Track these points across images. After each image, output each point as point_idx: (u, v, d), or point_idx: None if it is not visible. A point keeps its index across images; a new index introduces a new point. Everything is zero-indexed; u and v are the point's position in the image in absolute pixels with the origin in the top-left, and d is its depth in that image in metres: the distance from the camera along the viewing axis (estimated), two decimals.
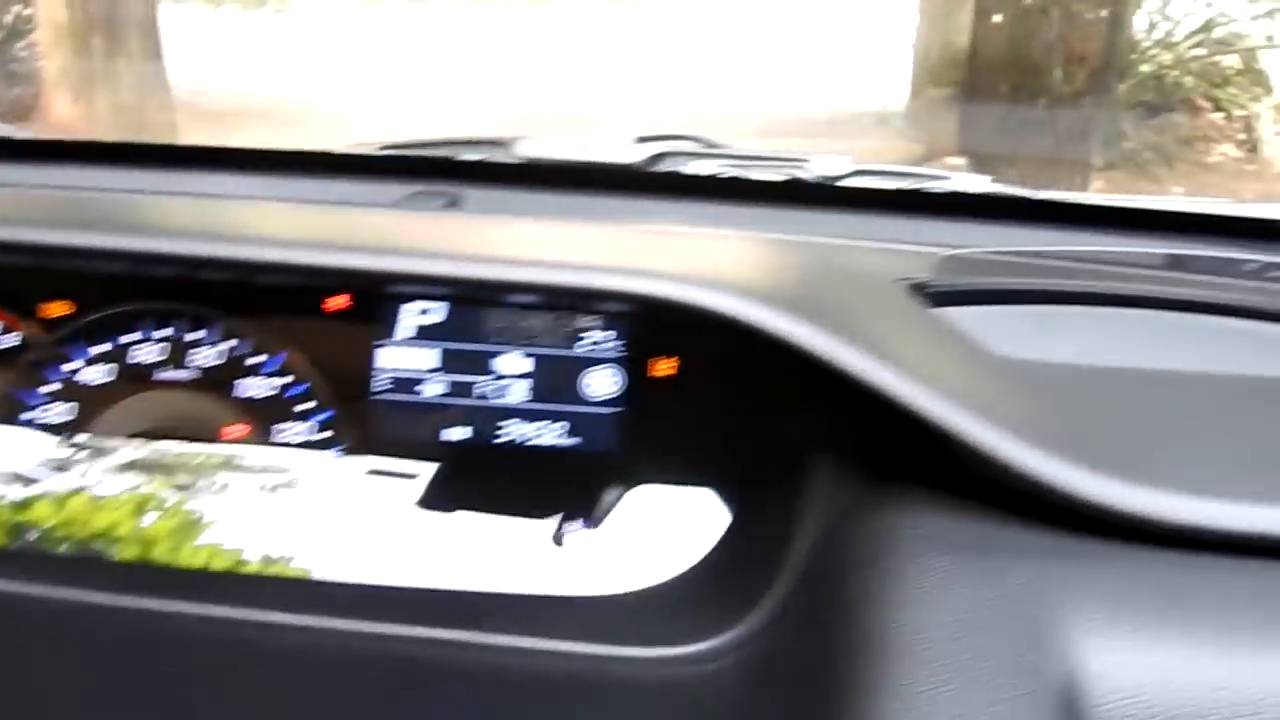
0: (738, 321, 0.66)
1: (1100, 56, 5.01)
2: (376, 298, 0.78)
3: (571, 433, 0.79)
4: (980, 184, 1.06)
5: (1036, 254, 0.89)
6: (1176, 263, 0.93)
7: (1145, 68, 5.32)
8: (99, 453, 0.79)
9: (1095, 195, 1.30)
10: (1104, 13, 5.09)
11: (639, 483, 0.78)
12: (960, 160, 5.10)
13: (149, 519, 0.76)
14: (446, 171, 1.09)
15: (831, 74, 6.72)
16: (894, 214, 1.03)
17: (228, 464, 0.78)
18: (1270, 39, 5.24)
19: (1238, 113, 5.11)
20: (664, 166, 1.12)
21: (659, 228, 0.97)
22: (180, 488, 0.77)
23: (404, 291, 0.78)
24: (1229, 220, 0.99)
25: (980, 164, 4.94)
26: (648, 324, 0.78)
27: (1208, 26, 5.36)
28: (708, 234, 0.93)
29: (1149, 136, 5.08)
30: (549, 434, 0.79)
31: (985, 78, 5.31)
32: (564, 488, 0.78)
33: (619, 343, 0.79)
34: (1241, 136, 5.02)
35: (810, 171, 1.10)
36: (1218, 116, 5.19)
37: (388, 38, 7.81)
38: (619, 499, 0.77)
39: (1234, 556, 0.58)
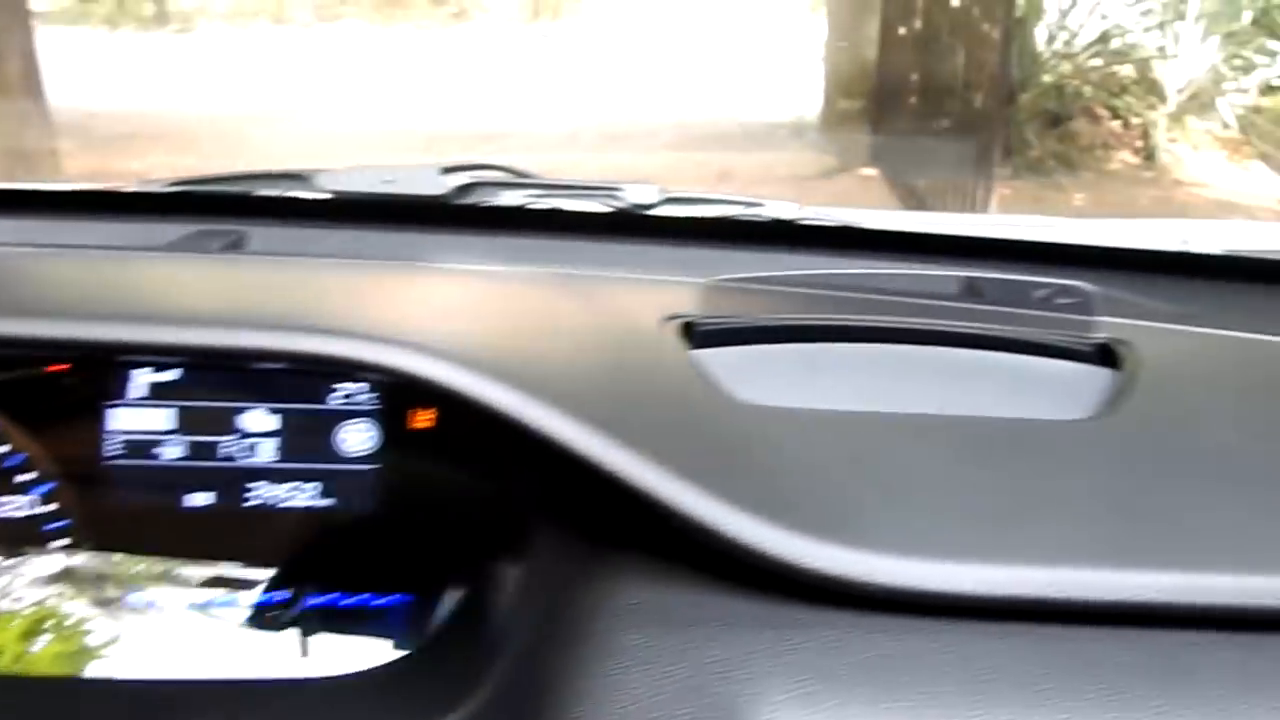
0: (449, 389, 0.62)
1: (1001, 69, 5.06)
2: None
3: (325, 493, 0.73)
4: (791, 211, 1.02)
5: (824, 281, 0.85)
6: (969, 288, 0.90)
7: (1047, 78, 5.37)
8: (25, 560, 0.72)
9: (910, 218, 1.26)
10: (1006, 24, 5.14)
11: (394, 545, 0.73)
12: (872, 171, 5.13)
13: (40, 642, 0.70)
14: (237, 209, 1.03)
15: (746, 85, 6.73)
16: (702, 243, 0.99)
17: (163, 577, 0.72)
18: (1162, 50, 5.31)
19: (1135, 121, 5.18)
20: (473, 198, 1.07)
21: (443, 266, 0.92)
22: (103, 603, 0.70)
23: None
24: (1027, 245, 0.96)
25: (891, 174, 4.98)
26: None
27: (1104, 38, 5.43)
28: (487, 273, 0.89)
29: (1052, 145, 5.12)
30: (301, 495, 0.73)
31: (893, 89, 5.35)
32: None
33: (373, 395, 0.74)
34: (1139, 144, 5.09)
35: (623, 200, 1.06)
36: (1116, 125, 5.25)
37: (295, 58, 7.69)
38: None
39: (949, 620, 0.54)
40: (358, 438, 0.73)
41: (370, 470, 0.73)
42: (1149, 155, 4.99)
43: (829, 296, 0.86)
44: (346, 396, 0.73)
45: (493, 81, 7.01)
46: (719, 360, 0.74)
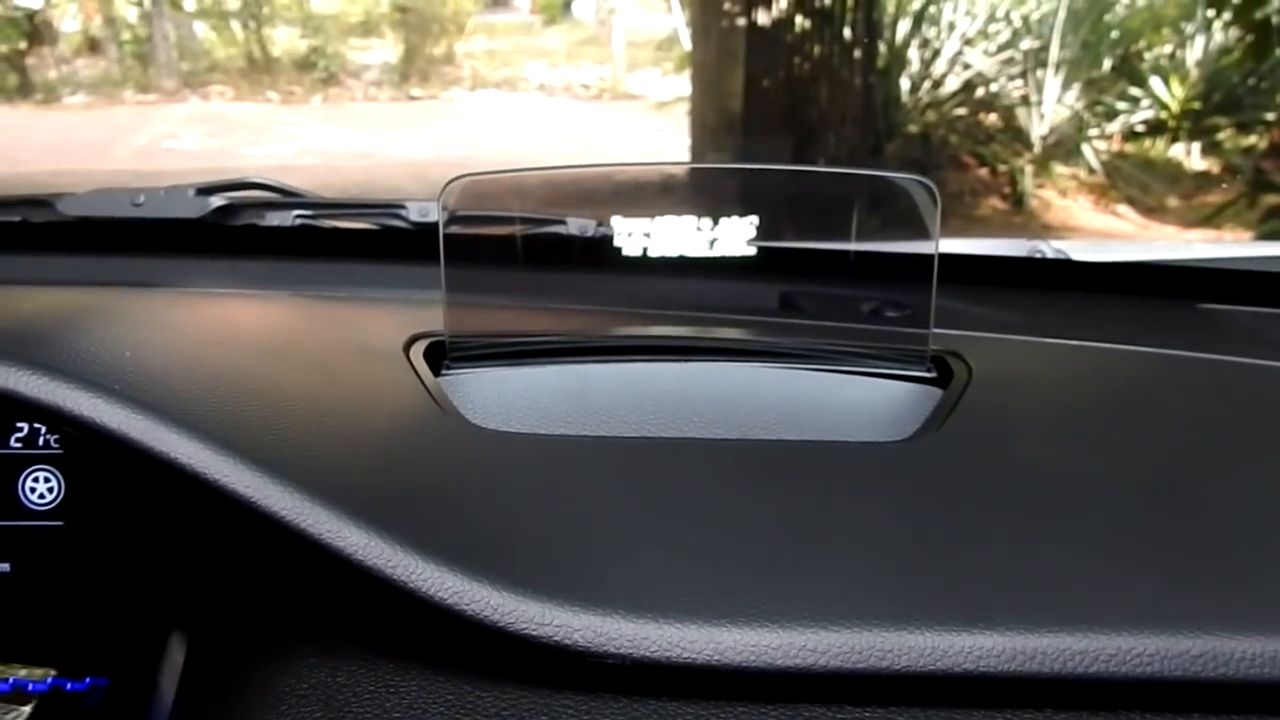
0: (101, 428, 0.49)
1: (866, 119, 5.07)
2: None
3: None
4: (590, 227, 0.90)
5: (623, 298, 0.74)
6: (784, 302, 0.79)
7: (912, 127, 5.39)
8: None
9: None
10: (868, 75, 5.17)
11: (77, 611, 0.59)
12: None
13: None
14: None
15: (612, 143, 6.68)
16: (492, 262, 0.87)
17: None
18: (1025, 98, 5.37)
19: (1002, 168, 5.21)
20: (235, 219, 0.93)
21: (181, 290, 0.79)
22: None
23: None
24: (854, 256, 0.85)
25: (764, 224, 4.91)
26: None
27: (968, 87, 5.47)
28: (222, 297, 0.76)
29: (882, 229, 5.09)
30: None
31: (759, 141, 5.32)
32: None
33: (54, 436, 0.60)
34: (1007, 190, 5.11)
35: (406, 218, 0.93)
36: (984, 172, 5.28)
37: (161, 125, 7.43)
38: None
39: (710, 702, 0.42)
40: (40, 488, 0.60)
41: (53, 527, 0.59)
42: (1018, 201, 5.01)
43: (617, 313, 0.74)
44: (25, 439, 0.60)
45: (360, 143, 6.87)
46: (466, 383, 0.62)
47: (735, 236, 0.70)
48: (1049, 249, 1.01)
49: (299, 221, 0.93)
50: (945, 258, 0.87)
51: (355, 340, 0.68)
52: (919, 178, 0.72)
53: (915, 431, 0.62)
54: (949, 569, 0.48)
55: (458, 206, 0.71)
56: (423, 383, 0.62)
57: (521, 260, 0.80)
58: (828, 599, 0.45)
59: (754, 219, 0.70)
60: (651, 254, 0.70)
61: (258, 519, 0.47)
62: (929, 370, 0.69)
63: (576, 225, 0.91)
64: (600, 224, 0.89)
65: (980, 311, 0.81)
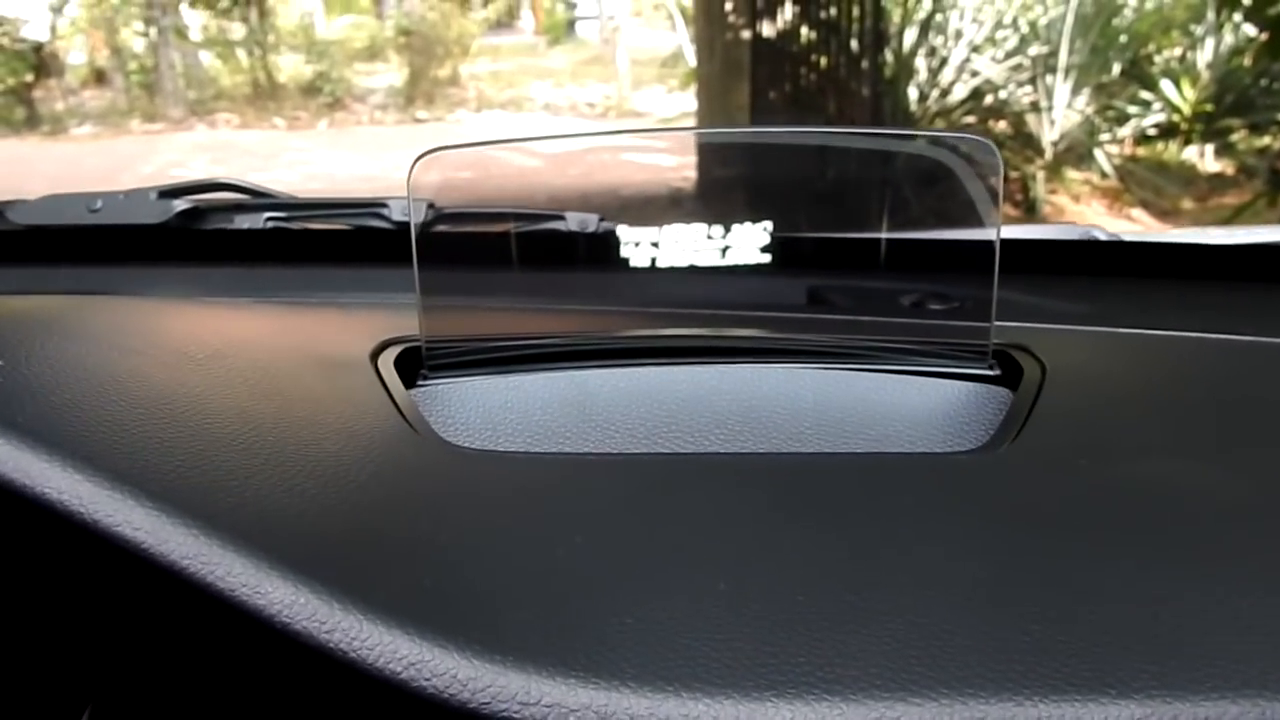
0: None
1: (875, 127, 5.00)
2: None
3: None
4: (591, 223, 0.82)
5: (629, 296, 0.65)
6: (813, 296, 0.70)
7: None
8: None
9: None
10: (876, 85, 5.11)
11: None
12: None
13: None
14: None
15: (621, 158, 6.62)
16: (482, 264, 0.78)
17: None
18: (1035, 105, 5.29)
19: (1013, 175, 5.12)
20: (201, 223, 0.85)
21: (134, 300, 0.71)
22: None
23: None
24: (886, 245, 0.75)
25: (787, 202, 4.81)
26: None
27: (977, 94, 5.40)
28: (175, 306, 0.68)
29: (931, 202, 5.03)
30: None
31: None
32: None
33: None
34: (1019, 197, 5.03)
35: (387, 218, 0.84)
36: None
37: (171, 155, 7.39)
38: None
39: None
40: None
41: None
42: (1030, 208, 4.93)
43: (621, 313, 0.66)
44: None
45: (366, 166, 6.84)
46: (444, 395, 0.54)
47: (749, 244, 0.61)
48: (1102, 235, 0.91)
49: (271, 224, 0.85)
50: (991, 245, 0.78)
51: (315, 348, 0.59)
52: (976, 138, 0.62)
53: (987, 441, 0.53)
54: (1060, 616, 0.37)
55: (438, 194, 0.62)
56: (390, 395, 0.53)
57: (516, 260, 0.72)
58: (904, 660, 0.35)
59: (768, 224, 0.61)
60: (660, 264, 0.61)
61: (159, 570, 0.38)
62: (992, 368, 0.60)
63: (576, 221, 0.83)
64: (603, 219, 0.81)
65: (1038, 300, 0.71)
